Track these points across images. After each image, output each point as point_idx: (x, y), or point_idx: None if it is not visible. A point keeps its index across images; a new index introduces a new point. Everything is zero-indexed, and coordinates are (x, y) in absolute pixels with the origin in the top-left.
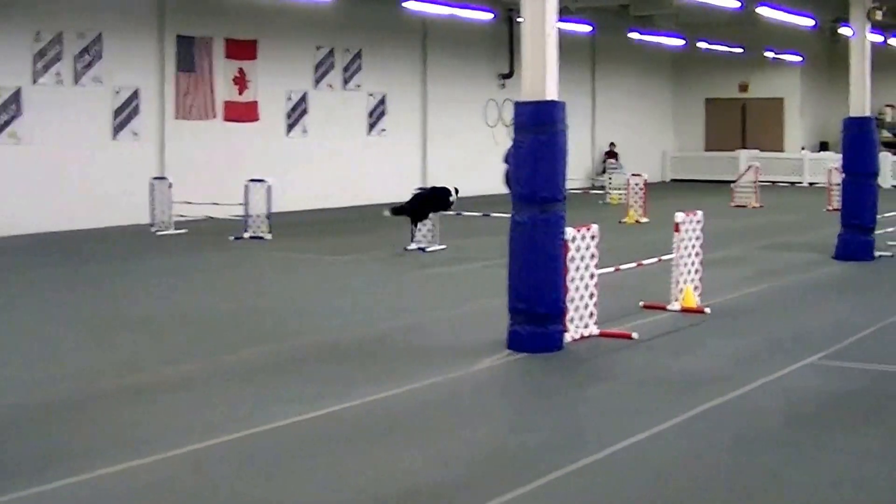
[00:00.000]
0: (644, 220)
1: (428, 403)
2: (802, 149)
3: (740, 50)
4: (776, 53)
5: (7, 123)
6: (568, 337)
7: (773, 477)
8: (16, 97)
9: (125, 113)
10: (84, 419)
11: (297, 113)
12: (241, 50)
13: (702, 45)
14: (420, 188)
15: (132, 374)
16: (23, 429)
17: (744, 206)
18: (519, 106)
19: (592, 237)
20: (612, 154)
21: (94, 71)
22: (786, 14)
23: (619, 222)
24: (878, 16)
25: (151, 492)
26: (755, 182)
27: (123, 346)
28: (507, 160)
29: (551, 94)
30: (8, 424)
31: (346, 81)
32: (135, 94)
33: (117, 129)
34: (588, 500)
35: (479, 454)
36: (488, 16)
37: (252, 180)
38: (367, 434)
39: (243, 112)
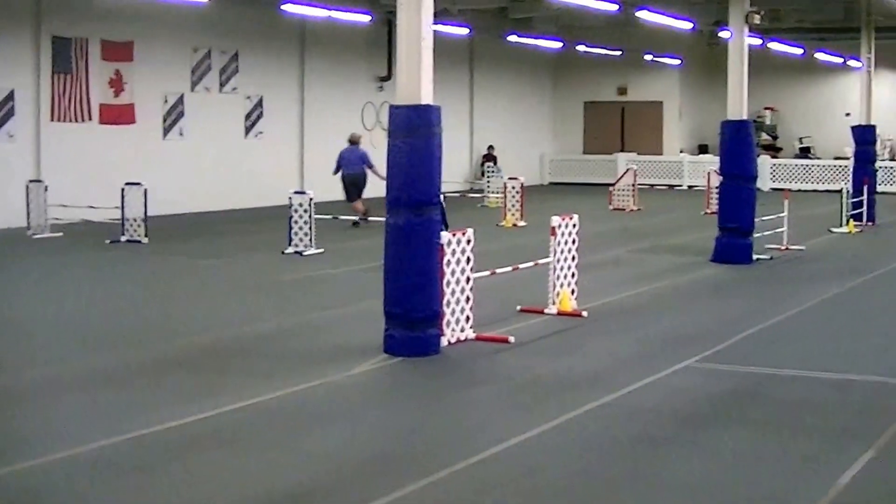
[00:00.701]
0: (522, 223)
1: (302, 408)
2: (681, 152)
3: (619, 53)
4: (655, 57)
5: None
6: (444, 341)
7: (644, 477)
8: None
9: (0, 115)
10: None
11: (173, 115)
12: (118, 52)
13: (581, 48)
14: None
15: None
16: None
17: (622, 210)
18: (394, 109)
19: (468, 241)
20: (490, 157)
21: None
22: (664, 17)
23: (497, 226)
24: (756, 20)
25: (17, 501)
26: (633, 185)
27: None
28: (357, 162)
29: (426, 97)
30: None
31: (222, 84)
32: (10, 96)
33: None
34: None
35: (352, 458)
36: (366, 18)
37: (128, 183)
38: (240, 439)
39: (119, 114)
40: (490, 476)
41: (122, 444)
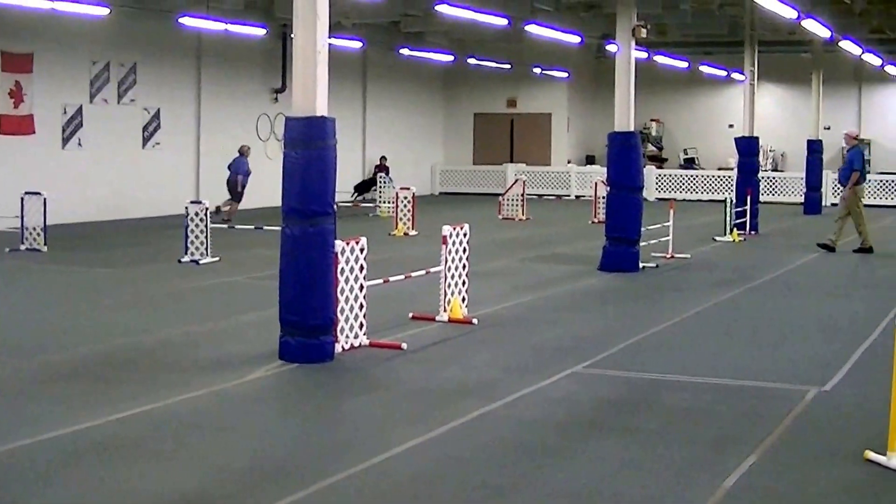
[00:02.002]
0: (413, 232)
1: (194, 415)
2: (569, 162)
3: (509, 66)
4: (544, 69)
5: None
6: (338, 347)
7: (528, 485)
8: None
9: None
10: None
11: (72, 126)
12: (18, 63)
13: (471, 61)
14: None
15: None
16: None
17: (512, 219)
18: (289, 121)
19: (361, 249)
20: (382, 167)
21: None
22: (553, 31)
23: (389, 235)
24: (643, 33)
25: None
26: (522, 195)
27: None
28: (231, 169)
29: (321, 109)
30: None
31: (121, 96)
32: None
33: None
34: None
35: (240, 466)
36: (261, 31)
37: (28, 193)
38: (129, 448)
39: (19, 125)
40: (374, 485)
41: (6, 454)
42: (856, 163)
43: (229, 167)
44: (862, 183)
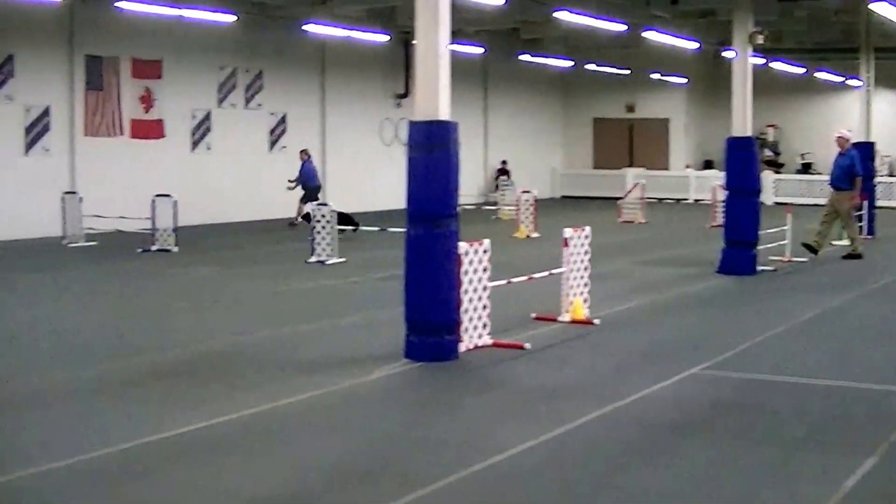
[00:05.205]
0: (535, 234)
1: (318, 412)
2: (687, 167)
3: (627, 72)
4: (662, 75)
5: None
6: (462, 347)
7: (644, 485)
8: None
9: (36, 130)
10: None
11: (201, 130)
12: (147, 69)
13: (590, 66)
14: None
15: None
16: None
17: (631, 222)
18: (413, 125)
19: (485, 251)
20: (503, 171)
21: (6, 89)
22: (671, 38)
23: (511, 237)
24: (760, 40)
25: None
26: (641, 199)
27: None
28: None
29: (444, 113)
30: None
31: (248, 100)
32: (46, 112)
33: (29, 145)
34: None
35: (364, 462)
36: (384, 38)
37: (158, 195)
38: (251, 444)
39: (149, 129)
40: (492, 485)
41: (132, 450)
42: (858, 166)
43: (308, 174)
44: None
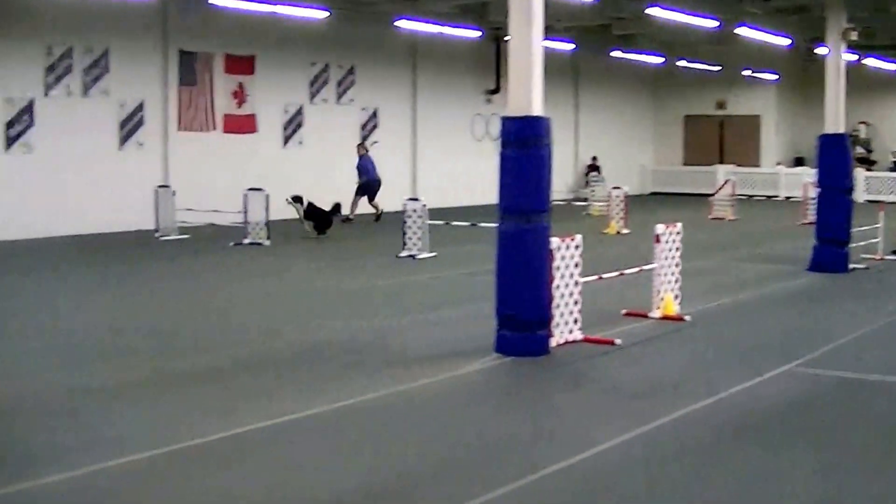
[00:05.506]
0: (625, 231)
1: (417, 403)
2: (778, 164)
3: (718, 68)
4: (753, 72)
5: (20, 134)
6: (553, 342)
7: (735, 484)
8: (29, 108)
9: (131, 124)
10: (62, 420)
11: (293, 125)
12: (240, 65)
13: (681, 63)
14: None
15: (128, 372)
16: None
17: (721, 219)
18: (505, 121)
19: (577, 247)
20: (594, 167)
21: (101, 84)
22: (763, 34)
23: (601, 233)
24: (853, 36)
25: (139, 488)
26: (732, 195)
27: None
28: (360, 169)
29: (537, 109)
30: None
31: (339, 96)
32: (140, 107)
33: (123, 139)
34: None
35: (454, 454)
36: (476, 34)
37: (250, 189)
38: (353, 433)
39: (242, 124)
40: (581, 480)
41: (239, 436)
42: None
43: (364, 169)
44: None
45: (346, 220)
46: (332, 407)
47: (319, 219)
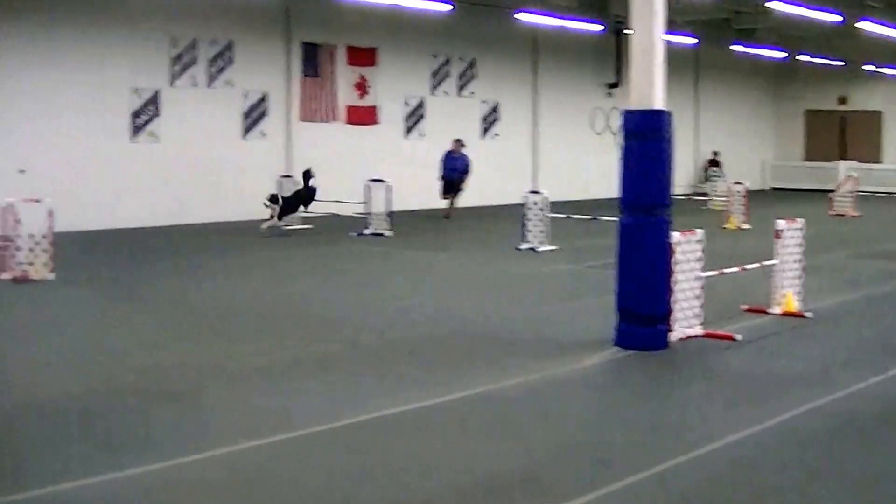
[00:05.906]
0: (746, 226)
1: (529, 397)
2: None
3: (840, 63)
4: (875, 67)
5: (147, 123)
6: (673, 336)
7: (861, 477)
8: (155, 98)
9: (254, 114)
10: (186, 406)
11: (414, 117)
12: (362, 57)
13: (802, 57)
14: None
15: (254, 358)
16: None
17: (842, 215)
18: (627, 114)
19: (698, 241)
20: (714, 162)
21: (225, 75)
22: (886, 28)
23: (722, 228)
24: None
25: (256, 475)
26: (854, 192)
27: (232, 334)
28: (444, 164)
29: (658, 103)
30: (96, 409)
31: (460, 88)
32: (263, 98)
33: (247, 129)
34: (673, 499)
35: (572, 448)
36: (598, 27)
37: (372, 180)
38: (459, 426)
39: (364, 115)
40: (699, 475)
41: (352, 426)
42: None
43: (444, 167)
44: None
45: (446, 216)
46: (462, 395)
47: (287, 204)
